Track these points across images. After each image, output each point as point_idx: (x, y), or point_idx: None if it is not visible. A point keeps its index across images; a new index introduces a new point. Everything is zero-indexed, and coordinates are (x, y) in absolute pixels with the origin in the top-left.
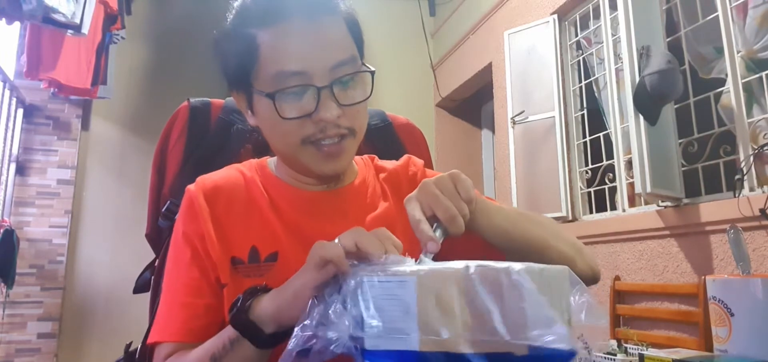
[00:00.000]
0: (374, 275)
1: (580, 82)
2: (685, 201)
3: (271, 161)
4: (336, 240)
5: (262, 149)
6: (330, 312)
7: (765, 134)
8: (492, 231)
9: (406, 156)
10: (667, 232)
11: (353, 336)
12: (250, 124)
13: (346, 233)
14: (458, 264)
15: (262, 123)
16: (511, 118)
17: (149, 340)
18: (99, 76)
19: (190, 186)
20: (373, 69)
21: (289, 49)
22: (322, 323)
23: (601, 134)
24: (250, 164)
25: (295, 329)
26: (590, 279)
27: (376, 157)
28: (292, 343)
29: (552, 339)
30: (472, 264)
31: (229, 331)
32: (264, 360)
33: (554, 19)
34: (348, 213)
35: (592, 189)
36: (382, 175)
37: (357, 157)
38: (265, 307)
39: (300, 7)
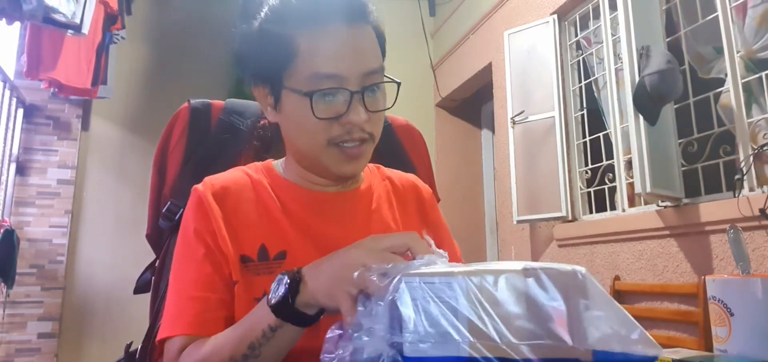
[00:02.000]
0: (414, 276)
1: (580, 82)
2: (685, 201)
3: (276, 163)
4: (389, 242)
5: (264, 151)
6: (360, 320)
7: (765, 134)
8: None
9: (413, 176)
10: (666, 232)
11: (392, 342)
12: (268, 119)
13: (398, 237)
14: (515, 265)
15: (288, 120)
16: (511, 118)
17: (159, 337)
18: (99, 76)
19: (198, 186)
20: (399, 80)
21: (326, 52)
22: (348, 336)
23: (600, 134)
24: (256, 166)
25: (323, 355)
26: None
27: (382, 167)
28: None
29: (633, 342)
30: (530, 264)
31: (267, 319)
32: (302, 334)
33: (554, 19)
34: (356, 216)
35: (592, 189)
36: (389, 185)
37: None
38: (305, 295)
39: (338, 14)
